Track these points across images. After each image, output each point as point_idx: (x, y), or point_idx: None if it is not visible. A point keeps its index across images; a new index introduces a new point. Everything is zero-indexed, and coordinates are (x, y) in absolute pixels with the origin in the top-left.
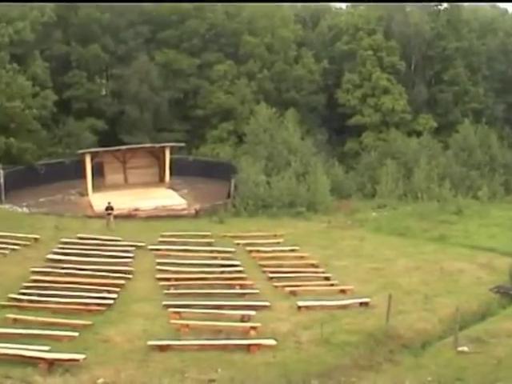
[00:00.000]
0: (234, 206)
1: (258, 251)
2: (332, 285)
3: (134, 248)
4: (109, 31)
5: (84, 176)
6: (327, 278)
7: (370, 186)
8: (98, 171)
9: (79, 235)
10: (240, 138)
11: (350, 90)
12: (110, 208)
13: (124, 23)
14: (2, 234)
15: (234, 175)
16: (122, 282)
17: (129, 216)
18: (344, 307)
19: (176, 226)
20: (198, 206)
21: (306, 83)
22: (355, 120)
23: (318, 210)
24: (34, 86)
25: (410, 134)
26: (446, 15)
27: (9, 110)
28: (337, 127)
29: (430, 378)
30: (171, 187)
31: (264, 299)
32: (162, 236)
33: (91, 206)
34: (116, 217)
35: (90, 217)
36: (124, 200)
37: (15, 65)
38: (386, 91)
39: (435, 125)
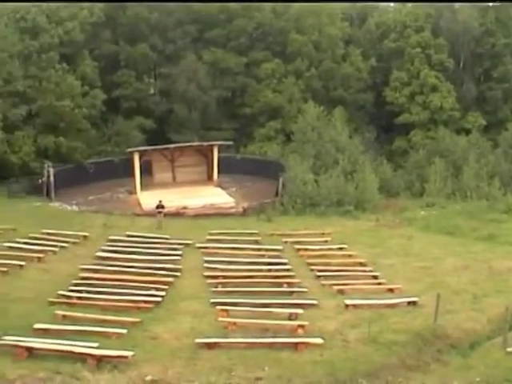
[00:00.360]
0: (282, 204)
1: (306, 249)
2: (380, 283)
3: (182, 246)
4: (157, 30)
5: (132, 174)
6: (375, 277)
7: (419, 184)
8: (147, 169)
9: (128, 233)
10: (288, 137)
11: (398, 88)
12: (160, 206)
13: (172, 22)
14: (52, 231)
15: (281, 174)
16: (171, 279)
17: (177, 214)
18: (392, 306)
19: (224, 224)
20: (245, 205)
21: (353, 81)
22: (403, 118)
23: (366, 209)
24: (83, 85)
25: (458, 132)
26: (494, 12)
27: (58, 110)
28: (385, 125)
29: (478, 379)
30: (219, 185)
31: (311, 297)
32: (210, 234)
33: (140, 204)
34: (164, 215)
35: (138, 215)
36: (172, 198)
37: (65, 65)
38: (434, 89)
39: (484, 123)
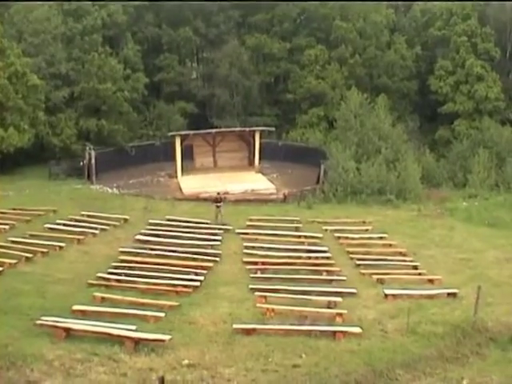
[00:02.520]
0: (323, 191)
1: (346, 238)
2: (420, 274)
3: (222, 231)
4: (200, 15)
5: (173, 158)
6: (415, 267)
7: (461, 175)
8: (188, 154)
9: (168, 217)
10: (330, 124)
11: (442, 77)
12: (219, 200)
13: (215, 7)
14: (93, 213)
15: (323, 161)
16: (210, 264)
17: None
18: (431, 297)
19: (264, 211)
20: (286, 191)
21: (397, 69)
22: (447, 107)
23: (407, 198)
24: (125, 68)
25: (503, 123)
26: None
27: (100, 93)
28: (428, 114)
29: None
30: (260, 171)
31: (351, 286)
32: (250, 220)
33: (180, 189)
34: (205, 200)
35: (178, 199)
36: (213, 183)
37: (107, 47)
38: (479, 78)
39: None
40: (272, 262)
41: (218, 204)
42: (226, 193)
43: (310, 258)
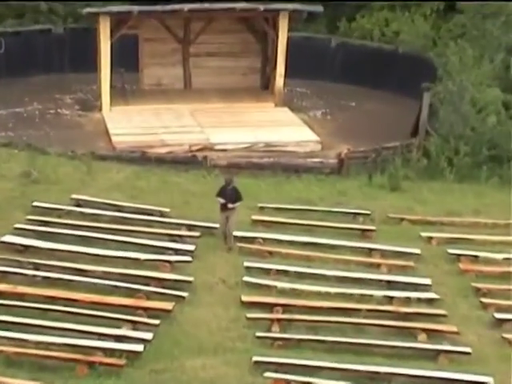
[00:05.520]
0: (427, 155)
1: (474, 260)
2: None
3: (196, 234)
4: None
5: (95, 67)
6: None
7: None
8: (128, 58)
9: (76, 196)
10: (447, 7)
11: None
12: (226, 205)
13: None
14: None
15: (428, 86)
16: (166, 306)
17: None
18: None
19: (292, 191)
20: (344, 150)
21: None
22: None
23: None
24: None
25: None
26: None
27: None
28: None
29: None
30: (287, 103)
31: (482, 370)
32: (261, 210)
33: (108, 136)
34: (160, 160)
35: (101, 157)
36: (179, 126)
37: None
38: None
39: None
40: (304, 307)
41: (227, 214)
42: (209, 147)
43: (391, 302)
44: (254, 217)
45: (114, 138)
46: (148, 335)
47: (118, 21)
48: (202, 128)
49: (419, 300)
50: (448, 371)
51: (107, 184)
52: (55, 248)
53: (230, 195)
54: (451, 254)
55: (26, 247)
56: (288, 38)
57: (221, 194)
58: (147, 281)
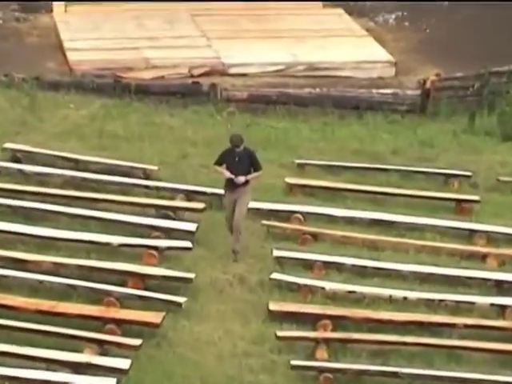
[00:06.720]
0: None
1: None
2: None
3: (198, 207)
4: None
5: None
6: None
7: None
8: None
9: (9, 146)
10: None
11: None
12: (234, 181)
13: None
14: None
15: None
16: (152, 319)
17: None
18: None
19: (352, 141)
20: (431, 76)
21: None
22: None
23: None
24: None
25: None
26: None
27: None
28: None
29: None
30: (341, 7)
31: None
32: (300, 168)
33: (62, 52)
34: (145, 91)
35: (54, 85)
36: (179, 35)
37: None
38: None
39: None
40: (367, 320)
41: (241, 181)
42: (220, 70)
43: (503, 314)
44: (290, 180)
45: (70, 56)
46: (123, 363)
47: None
48: (208, 40)
49: None
50: None
51: (60, 127)
52: None
53: (239, 163)
54: None
55: None
56: None
57: (224, 161)
58: (123, 278)
